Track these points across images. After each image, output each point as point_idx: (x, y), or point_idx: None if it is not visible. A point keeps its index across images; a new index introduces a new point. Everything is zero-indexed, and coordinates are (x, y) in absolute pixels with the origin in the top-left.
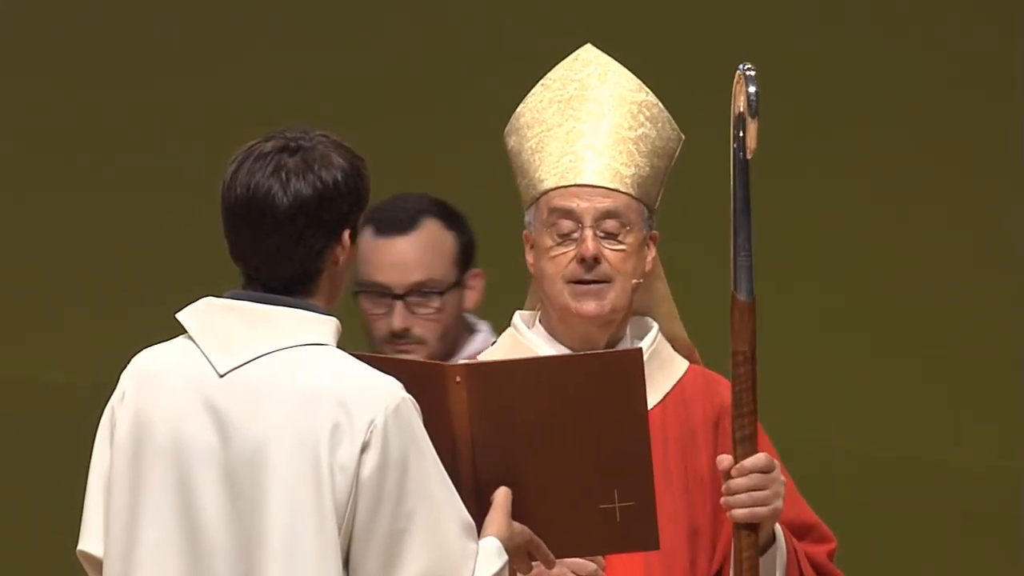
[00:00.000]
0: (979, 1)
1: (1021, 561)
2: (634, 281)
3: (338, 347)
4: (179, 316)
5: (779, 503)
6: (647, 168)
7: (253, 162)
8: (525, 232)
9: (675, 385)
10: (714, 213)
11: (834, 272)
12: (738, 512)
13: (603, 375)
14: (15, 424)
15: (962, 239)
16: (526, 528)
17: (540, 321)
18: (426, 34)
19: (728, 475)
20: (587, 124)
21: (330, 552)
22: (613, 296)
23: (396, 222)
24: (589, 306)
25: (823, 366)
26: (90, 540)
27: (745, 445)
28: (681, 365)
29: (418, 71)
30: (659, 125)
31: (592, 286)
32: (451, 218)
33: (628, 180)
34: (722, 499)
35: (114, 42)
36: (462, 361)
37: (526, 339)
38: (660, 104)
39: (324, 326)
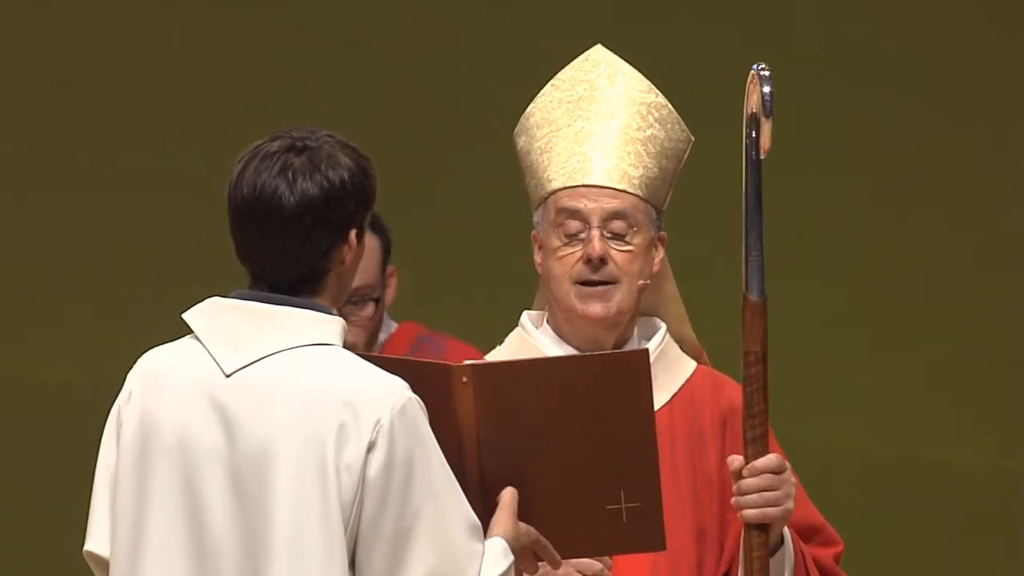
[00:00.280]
0: (979, 1)
1: (1021, 561)
2: (641, 282)
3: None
4: (185, 316)
5: (790, 504)
6: (655, 169)
7: (260, 162)
8: (533, 232)
9: (683, 385)
10: (714, 213)
11: (834, 272)
12: (749, 512)
13: (609, 376)
14: (15, 424)
15: (962, 239)
16: (532, 528)
17: (547, 321)
18: (426, 34)
19: (739, 475)
20: (596, 124)
21: (336, 552)
22: (619, 297)
23: None
24: (595, 308)
25: (823, 366)
26: (96, 540)
27: (756, 445)
28: (689, 365)
29: (418, 71)
30: (668, 126)
31: (598, 287)
32: (374, 222)
33: (636, 181)
34: (733, 499)
35: (114, 42)
36: (469, 362)
37: (533, 339)
38: (670, 105)
39: (330, 326)
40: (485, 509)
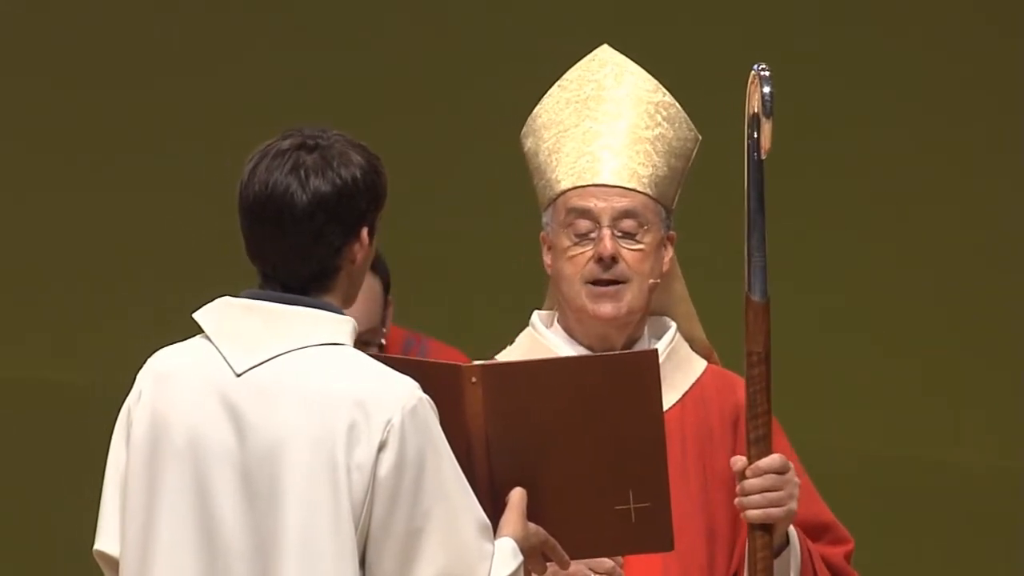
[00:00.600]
0: (979, 1)
1: (1021, 561)
2: (651, 281)
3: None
4: (196, 316)
5: (793, 504)
6: (664, 168)
7: (271, 160)
8: (542, 234)
9: (693, 384)
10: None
11: (835, 272)
12: (752, 513)
13: (618, 376)
14: (15, 424)
15: (963, 239)
16: (541, 529)
17: (558, 321)
18: (426, 34)
19: (743, 476)
20: (604, 124)
21: (347, 552)
22: (630, 297)
23: None
24: (606, 308)
25: (824, 366)
26: (106, 540)
27: (759, 446)
28: (699, 365)
29: (418, 71)
30: (676, 125)
31: (609, 287)
32: (375, 262)
33: (645, 180)
34: (736, 500)
35: (114, 42)
36: (478, 362)
37: (544, 339)
38: (677, 104)
39: (341, 326)
40: (494, 509)
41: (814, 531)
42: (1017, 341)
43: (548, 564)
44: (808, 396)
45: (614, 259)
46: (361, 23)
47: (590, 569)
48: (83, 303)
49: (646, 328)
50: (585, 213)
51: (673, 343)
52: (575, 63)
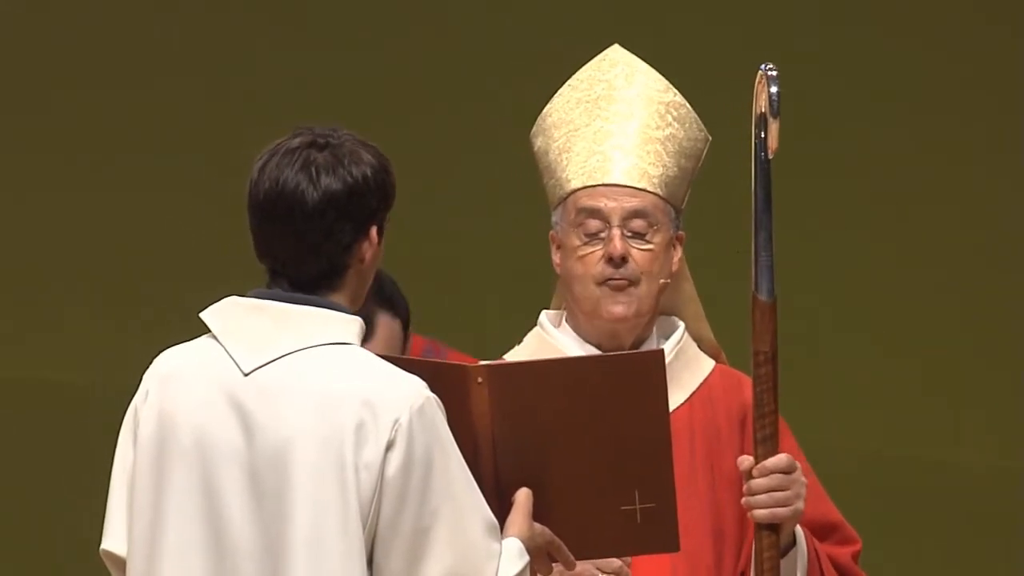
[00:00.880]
0: (979, 1)
1: (1021, 561)
2: (661, 281)
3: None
4: (203, 315)
5: (800, 504)
6: (674, 168)
7: (281, 158)
8: (552, 232)
9: (701, 384)
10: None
11: (835, 272)
12: (759, 513)
13: (624, 376)
14: (15, 424)
15: (963, 239)
16: (547, 529)
17: (566, 320)
18: (426, 34)
19: (750, 475)
20: (615, 124)
21: (354, 551)
22: (640, 297)
23: None
24: (617, 308)
25: (824, 366)
26: (113, 539)
27: (766, 445)
28: (707, 364)
29: (419, 71)
30: (686, 125)
31: (620, 285)
32: (391, 302)
33: (656, 180)
34: (743, 499)
35: (114, 42)
36: (484, 362)
37: (553, 338)
38: (688, 105)
39: (349, 326)
40: (500, 509)
41: (821, 531)
42: (1017, 341)
43: (554, 564)
44: (808, 396)
45: (624, 259)
46: (362, 23)
47: (597, 569)
48: (83, 303)
49: (655, 328)
50: (595, 213)
51: (681, 343)
52: (577, 63)
